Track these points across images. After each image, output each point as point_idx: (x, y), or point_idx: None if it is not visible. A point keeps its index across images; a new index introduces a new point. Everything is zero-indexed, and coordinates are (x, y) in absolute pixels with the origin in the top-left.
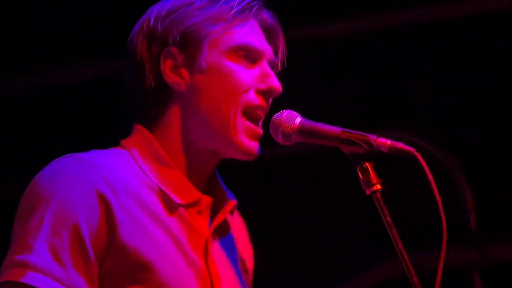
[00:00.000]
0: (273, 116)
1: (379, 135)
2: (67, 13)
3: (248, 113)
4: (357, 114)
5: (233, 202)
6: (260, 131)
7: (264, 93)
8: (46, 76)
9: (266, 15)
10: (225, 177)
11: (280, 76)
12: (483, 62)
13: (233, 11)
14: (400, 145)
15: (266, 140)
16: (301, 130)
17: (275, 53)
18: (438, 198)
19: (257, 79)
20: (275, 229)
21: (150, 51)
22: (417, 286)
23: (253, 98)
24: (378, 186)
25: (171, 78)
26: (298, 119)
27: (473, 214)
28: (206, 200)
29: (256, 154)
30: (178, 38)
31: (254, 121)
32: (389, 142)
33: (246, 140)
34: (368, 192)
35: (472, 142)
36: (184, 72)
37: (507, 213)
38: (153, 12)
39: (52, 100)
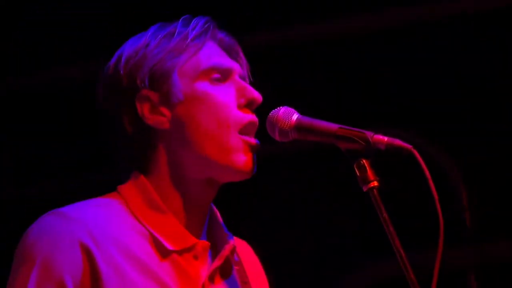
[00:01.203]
0: (269, 113)
1: (376, 132)
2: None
3: (243, 130)
4: (354, 111)
5: (231, 245)
6: (256, 142)
7: (247, 106)
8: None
9: (221, 35)
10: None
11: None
12: (480, 60)
13: (190, 38)
14: (397, 142)
15: (261, 136)
16: (298, 127)
17: (236, 57)
18: (435, 195)
19: (235, 95)
20: (273, 227)
21: (122, 101)
22: (414, 284)
23: (242, 116)
24: (375, 183)
25: (152, 119)
26: (295, 116)
27: (468, 212)
28: (202, 244)
29: (251, 169)
30: (147, 80)
31: (248, 134)
32: (386, 139)
33: (243, 156)
34: (365, 188)
35: (468, 140)
36: (163, 109)
37: (503, 211)
38: (113, 64)
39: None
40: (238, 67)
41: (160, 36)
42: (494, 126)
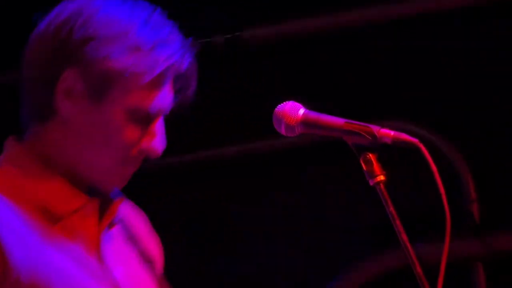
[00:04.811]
0: (275, 107)
1: (383, 126)
2: None
3: (124, 161)
4: (359, 105)
5: (120, 200)
6: (130, 172)
7: (144, 152)
8: None
9: (185, 66)
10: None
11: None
12: (484, 53)
13: (156, 72)
14: (404, 136)
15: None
16: (305, 122)
17: (184, 91)
18: (442, 190)
19: (144, 136)
20: (276, 223)
21: (53, 61)
22: (420, 277)
23: (132, 154)
24: (382, 177)
25: (60, 101)
26: (302, 111)
27: (475, 204)
28: (92, 203)
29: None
30: (89, 68)
31: (128, 164)
32: (392, 133)
33: (113, 181)
34: (371, 183)
35: (475, 132)
36: (76, 102)
37: (510, 203)
38: (78, 23)
39: None
40: (169, 107)
41: (137, 40)
42: (498, 116)
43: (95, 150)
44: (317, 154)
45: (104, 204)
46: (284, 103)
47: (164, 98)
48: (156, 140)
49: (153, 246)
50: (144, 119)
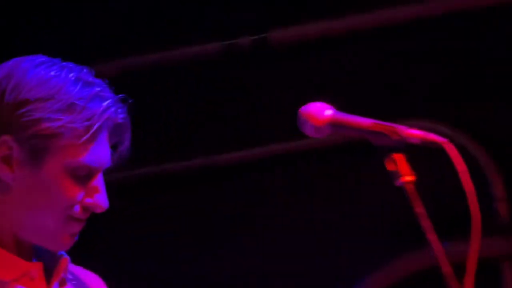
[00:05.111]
0: (301, 108)
1: (409, 126)
2: None
3: (69, 220)
4: (385, 105)
5: (65, 260)
6: (76, 230)
7: (89, 208)
8: None
9: (120, 119)
10: None
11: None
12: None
13: (92, 129)
14: (432, 136)
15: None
16: (332, 123)
17: (119, 146)
18: (471, 189)
19: (86, 192)
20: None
21: None
22: (449, 277)
23: (76, 212)
24: (409, 177)
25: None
26: (329, 111)
27: (503, 203)
28: (36, 267)
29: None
30: (23, 133)
31: (73, 222)
32: (420, 133)
33: (60, 242)
34: (398, 183)
35: (502, 130)
36: (15, 168)
37: None
38: (8, 88)
39: None
40: (108, 162)
41: (69, 98)
42: None
43: (39, 214)
44: (340, 155)
45: (50, 263)
46: (310, 103)
47: (102, 152)
48: (99, 195)
49: None
50: (84, 176)
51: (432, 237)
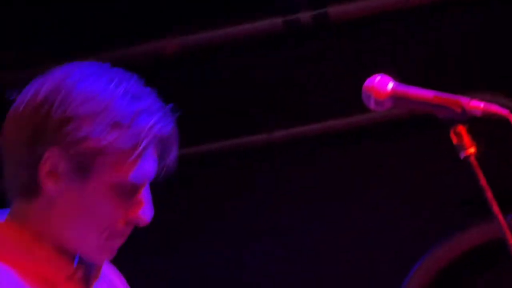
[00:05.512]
0: (365, 82)
1: (472, 98)
2: None
3: (112, 235)
4: (446, 78)
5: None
6: (118, 245)
7: (132, 222)
8: None
9: (167, 132)
10: None
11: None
12: None
13: (140, 147)
14: (494, 108)
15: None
16: (394, 96)
17: (166, 157)
18: None
19: (130, 207)
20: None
21: (34, 142)
22: None
23: (119, 227)
24: (472, 150)
25: (44, 181)
26: (391, 84)
27: None
28: (81, 269)
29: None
30: (70, 148)
31: (116, 237)
32: (482, 105)
33: (103, 256)
34: (462, 156)
35: None
36: (60, 182)
37: None
38: (56, 103)
39: None
40: (153, 175)
41: (117, 115)
42: None
43: (83, 228)
44: (405, 130)
45: (89, 263)
46: (373, 76)
47: (148, 167)
48: (144, 209)
49: None
50: (130, 191)
51: (495, 209)
